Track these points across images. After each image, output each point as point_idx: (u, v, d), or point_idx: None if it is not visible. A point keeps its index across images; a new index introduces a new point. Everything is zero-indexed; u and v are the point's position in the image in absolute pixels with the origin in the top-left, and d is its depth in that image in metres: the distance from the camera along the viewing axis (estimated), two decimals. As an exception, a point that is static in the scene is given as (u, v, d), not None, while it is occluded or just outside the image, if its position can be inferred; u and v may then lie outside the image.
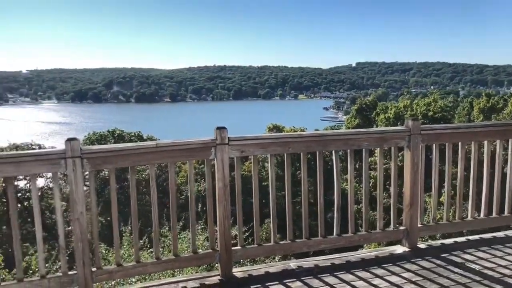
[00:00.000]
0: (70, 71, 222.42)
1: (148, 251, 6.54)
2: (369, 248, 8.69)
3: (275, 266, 4.35)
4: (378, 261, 4.39)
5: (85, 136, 43.37)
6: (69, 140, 3.57)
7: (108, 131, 42.40)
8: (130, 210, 3.92)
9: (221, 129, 4.00)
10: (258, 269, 4.26)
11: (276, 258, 7.53)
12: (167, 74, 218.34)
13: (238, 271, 4.20)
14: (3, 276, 9.51)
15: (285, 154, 4.35)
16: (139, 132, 42.97)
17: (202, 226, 7.19)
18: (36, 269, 7.22)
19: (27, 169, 3.58)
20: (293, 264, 4.35)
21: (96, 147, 3.79)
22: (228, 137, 4.01)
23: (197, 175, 20.33)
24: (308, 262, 4.39)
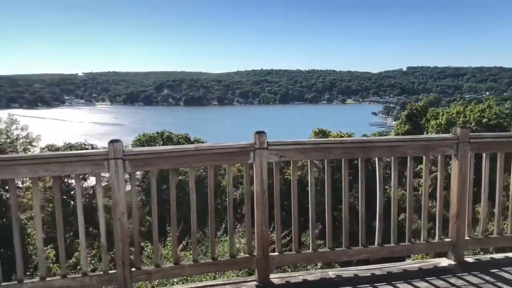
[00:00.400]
0: (123, 74, 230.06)
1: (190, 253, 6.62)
2: (414, 260, 8.40)
3: (314, 274, 4.27)
4: (421, 274, 4.22)
5: (136, 137, 44.81)
6: (112, 141, 3.66)
7: (157, 133, 43.61)
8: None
9: (260, 133, 3.97)
10: (296, 277, 4.19)
11: (318, 264, 7.41)
12: (215, 78, 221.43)
13: (275, 277, 4.15)
14: (54, 270, 9.93)
15: (325, 160, 4.27)
16: (187, 134, 43.90)
17: (243, 230, 7.20)
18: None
19: (72, 169, 3.71)
20: (332, 272, 4.26)
21: (137, 149, 3.87)
22: (267, 142, 3.98)
23: (239, 179, 20.47)
24: (348, 272, 4.28)
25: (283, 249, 4.29)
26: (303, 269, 6.16)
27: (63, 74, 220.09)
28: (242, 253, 4.43)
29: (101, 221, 3.79)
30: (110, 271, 3.82)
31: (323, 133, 38.11)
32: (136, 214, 3.91)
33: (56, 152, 3.97)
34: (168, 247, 7.02)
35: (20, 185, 22.22)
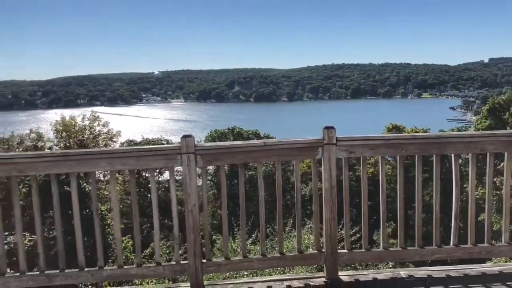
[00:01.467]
0: (196, 72, 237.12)
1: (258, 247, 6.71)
2: (495, 263, 7.89)
3: (384, 273, 4.16)
4: (502, 278, 3.96)
5: (208, 133, 46.08)
6: (184, 137, 3.79)
7: (228, 129, 44.48)
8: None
9: (329, 128, 3.92)
10: (366, 275, 4.11)
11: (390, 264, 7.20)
12: (285, 74, 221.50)
13: (344, 275, 4.10)
14: (131, 259, 10.47)
15: (397, 157, 4.13)
16: (257, 130, 44.37)
17: (311, 226, 7.17)
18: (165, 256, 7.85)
19: (146, 163, 3.89)
20: (403, 272, 4.12)
21: (208, 144, 3.97)
22: (336, 137, 3.92)
23: (309, 175, 20.34)
24: (421, 272, 4.12)
25: (353, 246, 4.22)
26: (374, 267, 6.01)
27: (141, 73, 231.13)
28: (310, 249, 4.41)
29: (174, 213, 3.93)
30: (182, 262, 3.97)
31: (397, 128, 36.82)
32: (206, 207, 4.03)
33: (132, 147, 4.17)
34: (237, 240, 7.16)
35: (102, 178, 23.65)
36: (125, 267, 3.97)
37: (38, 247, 3.92)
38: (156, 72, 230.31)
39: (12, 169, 3.75)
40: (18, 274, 3.88)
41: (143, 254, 4.14)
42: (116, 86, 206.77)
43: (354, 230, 5.38)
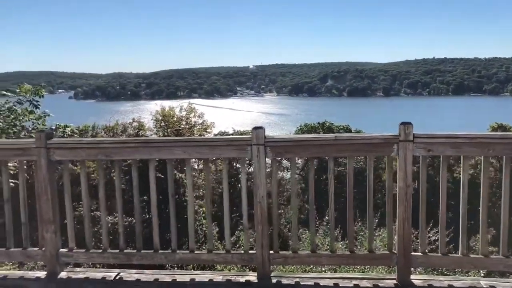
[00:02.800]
0: (289, 66, 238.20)
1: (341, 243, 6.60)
2: None
3: (462, 280, 3.87)
4: None
5: (297, 127, 46.11)
6: (255, 128, 3.84)
7: (319, 123, 44.12)
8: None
9: (406, 124, 3.73)
10: (441, 281, 3.85)
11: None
12: (382, 68, 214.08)
13: (417, 279, 3.89)
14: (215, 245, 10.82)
15: (482, 157, 3.81)
16: (348, 125, 43.44)
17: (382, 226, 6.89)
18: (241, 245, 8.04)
19: (219, 153, 4.00)
20: (484, 282, 3.81)
21: (278, 136, 3.96)
22: (414, 134, 3.72)
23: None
24: (505, 284, 3.78)
25: (428, 249, 3.98)
26: (451, 273, 5.63)
27: (237, 67, 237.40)
28: (382, 249, 4.24)
29: (244, 203, 4.01)
30: (250, 251, 4.04)
31: (503, 128, 33.92)
32: (276, 198, 4.05)
33: (206, 137, 4.31)
34: (320, 234, 7.11)
35: (196, 167, 24.69)
36: (196, 252, 4.13)
37: (119, 228, 4.21)
38: (251, 66, 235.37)
39: (99, 153, 4.07)
40: (100, 250, 4.21)
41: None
42: (214, 79, 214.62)
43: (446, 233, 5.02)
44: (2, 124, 10.57)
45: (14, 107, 10.59)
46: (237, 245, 8.71)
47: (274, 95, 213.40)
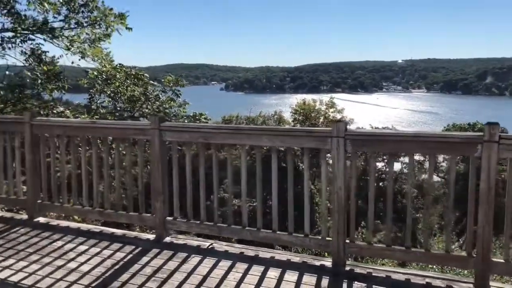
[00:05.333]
0: (443, 61, 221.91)
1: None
2: None
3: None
4: None
5: (444, 127, 43.26)
6: (336, 122, 4.04)
7: (469, 125, 40.94)
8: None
9: (492, 124, 3.58)
10: (524, 293, 3.63)
11: None
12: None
13: (496, 286, 3.72)
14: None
15: None
16: (504, 128, 39.40)
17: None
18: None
19: (301, 142, 4.29)
20: None
21: (358, 130, 4.10)
22: (500, 135, 3.55)
23: None
24: None
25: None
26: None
27: (384, 61, 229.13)
28: (461, 251, 4.10)
29: (323, 192, 4.24)
30: (327, 238, 4.26)
31: None
32: (354, 189, 4.19)
33: (289, 127, 4.63)
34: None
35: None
36: (278, 232, 4.49)
37: (214, 204, 4.76)
38: (399, 61, 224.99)
39: (200, 137, 4.69)
40: (198, 222, 4.82)
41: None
42: (358, 74, 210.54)
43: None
44: (149, 110, 12.19)
45: (159, 95, 12.13)
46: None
47: (424, 91, 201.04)
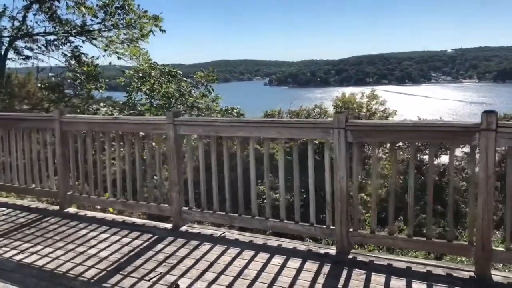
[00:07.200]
0: (495, 49, 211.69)
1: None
2: None
3: (551, 284, 3.54)
4: None
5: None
6: (336, 113, 4.14)
7: (517, 114, 39.37)
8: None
9: (488, 113, 3.57)
10: (526, 282, 3.60)
11: None
12: None
13: (497, 275, 3.70)
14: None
15: None
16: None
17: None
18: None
19: (307, 134, 4.42)
20: None
21: (359, 121, 4.19)
22: (497, 123, 3.54)
23: None
24: None
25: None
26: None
27: (432, 51, 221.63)
28: (462, 240, 4.10)
29: (327, 181, 4.34)
30: (331, 226, 4.38)
31: None
32: (357, 179, 4.28)
33: (296, 119, 4.77)
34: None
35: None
36: (285, 221, 4.65)
37: (226, 194, 4.95)
38: (449, 50, 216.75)
39: (211, 130, 4.92)
40: (212, 211, 5.06)
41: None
42: (405, 65, 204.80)
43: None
44: (183, 106, 12.60)
45: (192, 91, 12.52)
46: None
47: (475, 81, 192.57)
